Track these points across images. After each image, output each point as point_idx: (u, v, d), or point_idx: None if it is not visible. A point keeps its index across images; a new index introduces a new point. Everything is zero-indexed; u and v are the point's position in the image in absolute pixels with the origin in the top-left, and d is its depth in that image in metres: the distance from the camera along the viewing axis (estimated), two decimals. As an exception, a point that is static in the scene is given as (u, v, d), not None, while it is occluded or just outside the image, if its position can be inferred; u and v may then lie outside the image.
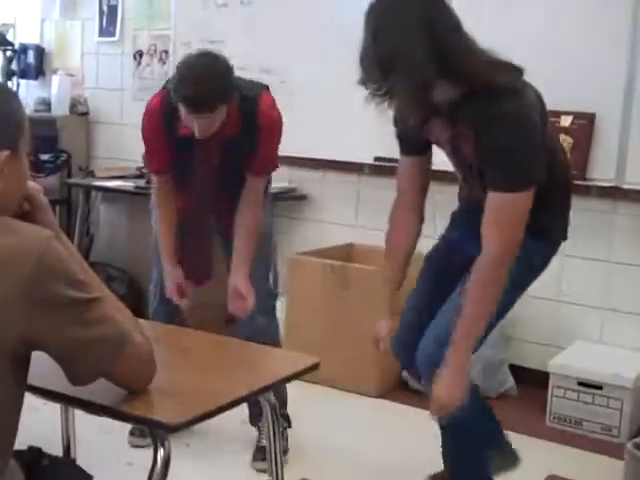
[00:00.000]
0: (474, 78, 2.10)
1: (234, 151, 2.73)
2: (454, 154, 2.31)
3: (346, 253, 4.08)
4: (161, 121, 2.74)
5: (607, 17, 3.46)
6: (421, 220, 2.50)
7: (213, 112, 2.53)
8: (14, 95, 1.53)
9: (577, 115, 3.51)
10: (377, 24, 2.08)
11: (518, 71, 2.19)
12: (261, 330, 2.91)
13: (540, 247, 2.33)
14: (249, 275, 2.83)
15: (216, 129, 2.61)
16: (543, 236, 2.31)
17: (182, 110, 2.56)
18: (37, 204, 1.55)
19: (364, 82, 2.11)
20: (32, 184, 1.55)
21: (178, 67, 2.60)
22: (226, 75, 2.58)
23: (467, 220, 2.40)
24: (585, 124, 3.51)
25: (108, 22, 5.18)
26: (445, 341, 2.20)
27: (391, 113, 2.32)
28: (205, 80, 2.50)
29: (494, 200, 2.13)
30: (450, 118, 2.20)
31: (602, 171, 3.50)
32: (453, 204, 2.60)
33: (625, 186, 3.51)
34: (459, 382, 2.19)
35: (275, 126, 2.78)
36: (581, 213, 3.43)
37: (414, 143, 2.41)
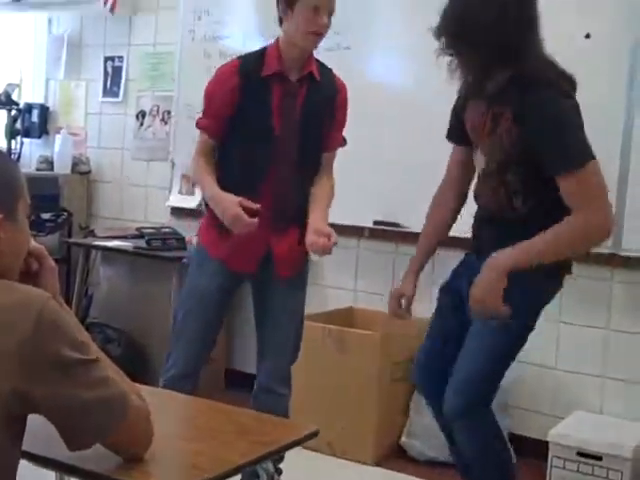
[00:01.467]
0: (528, 68, 2.27)
1: (315, 103, 2.80)
2: (490, 133, 2.39)
3: (346, 317, 4.07)
4: (238, 74, 2.76)
5: (601, 99, 3.45)
6: (463, 201, 2.68)
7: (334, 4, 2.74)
8: (9, 159, 1.54)
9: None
10: None
11: (570, 81, 2.37)
12: (279, 402, 2.88)
13: (540, 277, 2.38)
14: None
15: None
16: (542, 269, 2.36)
17: (305, 5, 2.66)
18: (47, 266, 1.56)
19: (437, 37, 2.33)
20: (40, 246, 1.56)
21: None
22: None
23: (479, 241, 2.53)
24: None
25: (112, 83, 5.26)
26: (466, 391, 2.40)
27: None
28: None
29: (567, 186, 2.22)
30: (494, 99, 2.34)
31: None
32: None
33: (622, 253, 3.52)
34: (494, 282, 2.25)
35: (347, 97, 2.91)
36: (578, 280, 3.42)
37: (462, 131, 2.55)
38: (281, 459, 2.77)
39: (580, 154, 2.25)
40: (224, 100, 2.78)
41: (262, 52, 2.83)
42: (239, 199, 2.65)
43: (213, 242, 2.87)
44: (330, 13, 2.72)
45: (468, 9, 2.29)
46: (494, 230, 2.45)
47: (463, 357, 2.45)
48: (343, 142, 2.97)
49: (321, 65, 2.87)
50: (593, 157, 2.26)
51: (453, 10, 2.32)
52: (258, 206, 2.65)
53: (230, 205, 2.65)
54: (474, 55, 2.29)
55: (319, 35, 2.72)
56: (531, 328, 2.47)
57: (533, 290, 2.39)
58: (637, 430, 3.46)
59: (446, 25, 2.31)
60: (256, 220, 2.63)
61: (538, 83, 2.27)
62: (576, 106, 2.32)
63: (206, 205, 2.93)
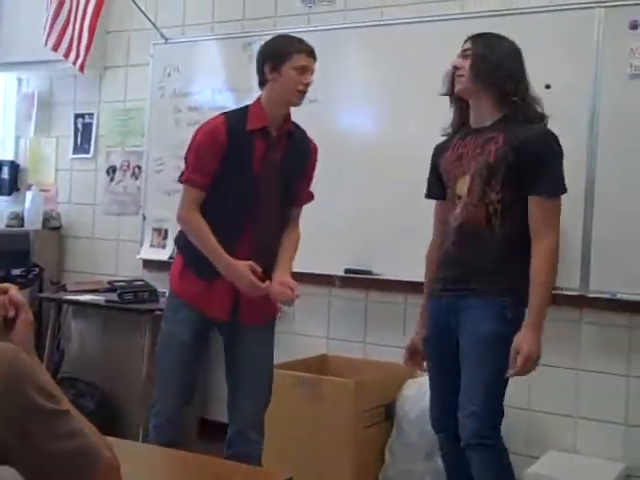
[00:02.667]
0: (521, 107, 2.66)
1: (292, 157, 2.95)
2: (478, 155, 2.67)
3: (319, 365, 4.07)
4: (225, 130, 2.86)
5: (566, 139, 3.58)
6: None
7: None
8: None
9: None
10: (487, 43, 2.73)
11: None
12: (252, 449, 2.94)
13: (508, 301, 2.67)
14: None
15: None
16: (510, 294, 2.67)
17: (292, 67, 2.85)
18: (23, 317, 1.56)
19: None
20: (22, 298, 1.56)
21: (275, 40, 2.99)
22: None
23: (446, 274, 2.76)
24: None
25: (83, 139, 5.29)
26: (484, 415, 2.59)
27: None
28: None
29: (538, 205, 2.60)
30: (488, 130, 2.68)
31: (567, 280, 3.57)
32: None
33: (590, 295, 3.58)
34: (538, 339, 2.64)
35: (317, 158, 3.08)
36: (548, 322, 3.46)
37: (441, 185, 2.84)
38: None
39: (561, 186, 2.65)
40: (215, 155, 2.86)
41: (245, 109, 2.97)
42: (249, 264, 2.82)
43: (185, 289, 2.97)
44: (312, 72, 2.92)
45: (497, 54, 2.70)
46: (467, 249, 2.67)
47: (465, 382, 2.65)
48: (311, 197, 3.10)
49: (296, 125, 3.01)
50: (565, 191, 2.68)
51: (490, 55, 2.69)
52: (260, 270, 2.84)
53: (245, 273, 2.82)
54: (490, 91, 2.66)
55: (304, 92, 2.90)
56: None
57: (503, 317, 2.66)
58: (611, 469, 3.48)
59: (477, 66, 2.66)
60: (268, 283, 2.85)
61: (532, 119, 2.67)
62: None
63: (178, 251, 3.06)
